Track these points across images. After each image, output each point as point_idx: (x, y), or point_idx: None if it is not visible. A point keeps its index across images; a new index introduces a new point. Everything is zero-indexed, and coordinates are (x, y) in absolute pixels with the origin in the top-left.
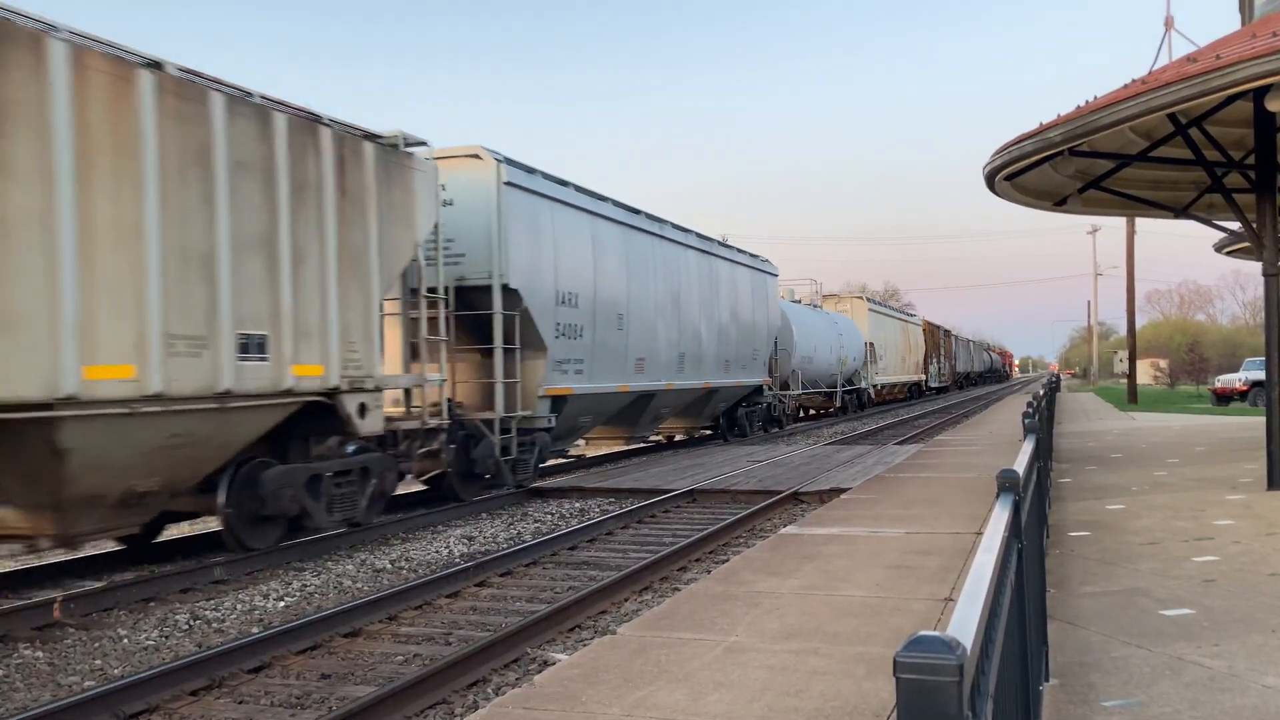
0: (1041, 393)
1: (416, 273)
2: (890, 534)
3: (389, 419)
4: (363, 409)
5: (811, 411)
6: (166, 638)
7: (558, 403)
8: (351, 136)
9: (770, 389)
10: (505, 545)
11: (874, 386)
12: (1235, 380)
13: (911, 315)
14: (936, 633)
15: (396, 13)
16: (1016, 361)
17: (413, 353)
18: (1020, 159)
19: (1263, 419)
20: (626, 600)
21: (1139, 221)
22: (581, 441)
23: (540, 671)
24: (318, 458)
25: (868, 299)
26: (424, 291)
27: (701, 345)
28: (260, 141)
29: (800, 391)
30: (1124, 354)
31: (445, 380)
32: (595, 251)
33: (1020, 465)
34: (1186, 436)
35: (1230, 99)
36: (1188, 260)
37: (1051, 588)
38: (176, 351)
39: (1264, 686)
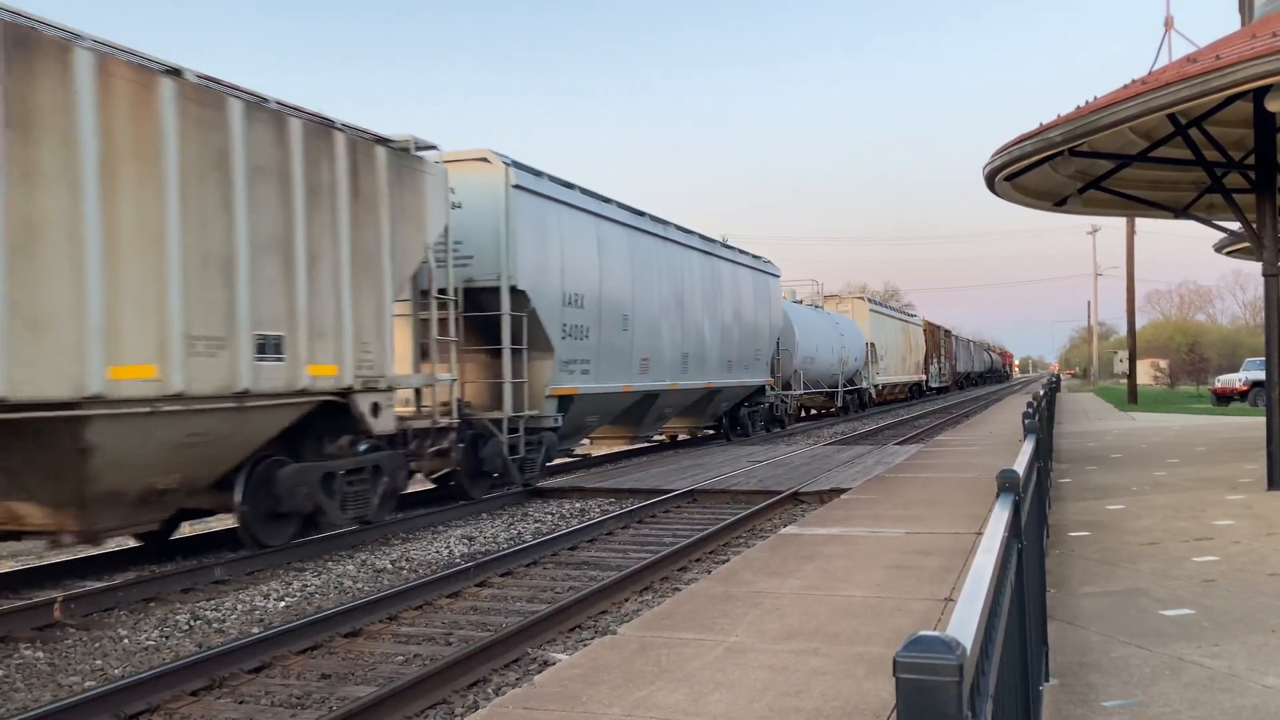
0: (1041, 393)
1: (427, 274)
2: (890, 534)
3: (400, 418)
4: (376, 408)
5: (813, 411)
6: (167, 638)
7: (564, 402)
8: (364, 141)
9: (773, 389)
10: (506, 545)
11: (875, 386)
12: (1235, 380)
13: (912, 315)
14: (936, 633)
15: (396, 11)
16: (1016, 362)
17: (422, 353)
18: (1020, 159)
19: (1263, 419)
20: (627, 600)
21: (1139, 222)
22: (586, 441)
23: (541, 671)
24: (330, 456)
25: (869, 299)
26: (434, 293)
27: (705, 346)
28: (276, 146)
29: (802, 391)
30: (1124, 354)
31: (455, 380)
32: (601, 253)
33: (1020, 465)
34: (1186, 437)
35: (1230, 99)
36: (1188, 260)
37: (1051, 588)
38: (196, 352)
39: (1264, 686)
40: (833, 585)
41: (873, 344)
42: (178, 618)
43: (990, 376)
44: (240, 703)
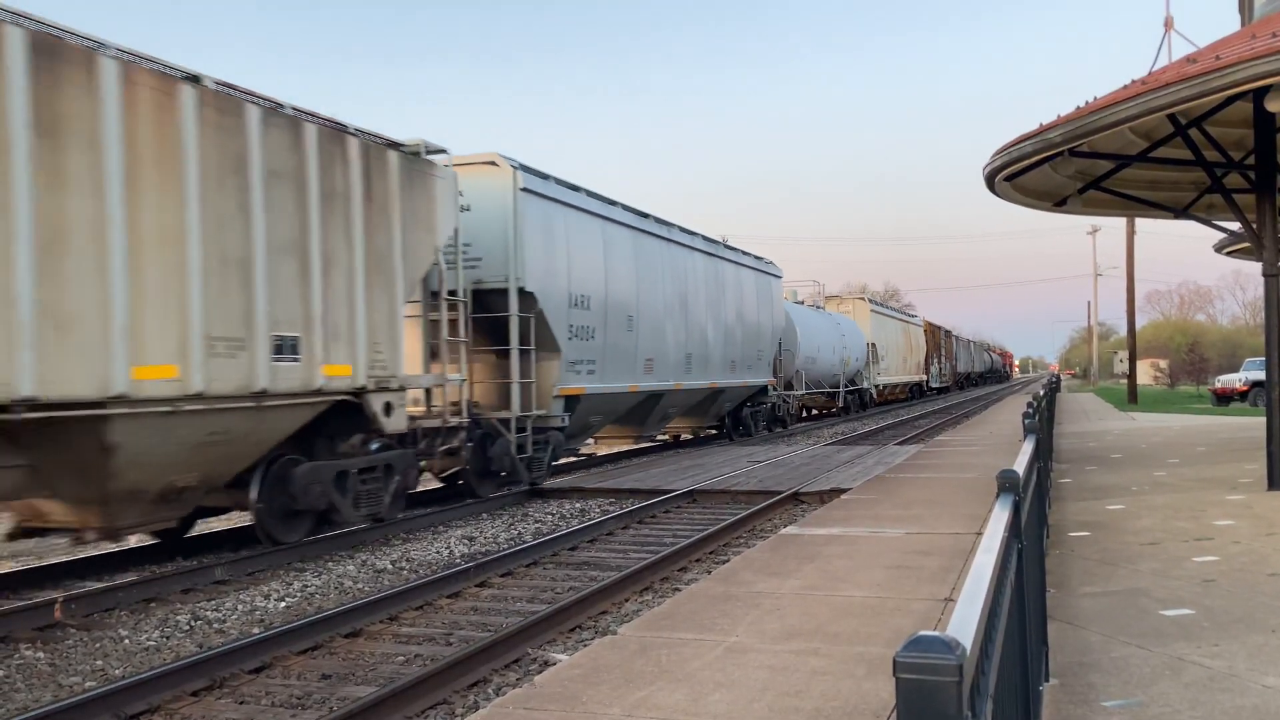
0: (1042, 393)
1: (437, 276)
2: (890, 534)
3: (411, 417)
4: (388, 408)
5: (814, 411)
6: (167, 638)
7: (571, 402)
8: (376, 145)
9: (775, 389)
10: (506, 545)
11: (876, 387)
12: (1235, 380)
13: (912, 316)
14: (936, 633)
15: (396, 11)
16: (1017, 362)
17: (432, 353)
18: (1020, 159)
19: (1263, 419)
20: (627, 600)
21: (1139, 222)
22: (591, 440)
23: (541, 672)
24: (343, 455)
25: (870, 300)
26: (444, 294)
27: (708, 346)
28: (292, 151)
29: (804, 391)
30: (1124, 354)
31: (465, 380)
32: (606, 255)
33: (1020, 465)
34: (1186, 437)
35: (1230, 99)
36: (1188, 260)
37: (1051, 588)
38: (216, 353)
39: (1264, 686)
40: (833, 585)
41: (874, 344)
42: (178, 618)
43: (990, 377)
44: (241, 703)
